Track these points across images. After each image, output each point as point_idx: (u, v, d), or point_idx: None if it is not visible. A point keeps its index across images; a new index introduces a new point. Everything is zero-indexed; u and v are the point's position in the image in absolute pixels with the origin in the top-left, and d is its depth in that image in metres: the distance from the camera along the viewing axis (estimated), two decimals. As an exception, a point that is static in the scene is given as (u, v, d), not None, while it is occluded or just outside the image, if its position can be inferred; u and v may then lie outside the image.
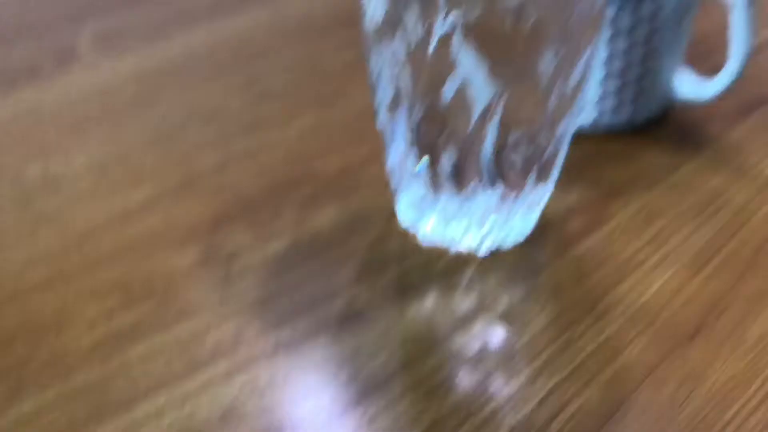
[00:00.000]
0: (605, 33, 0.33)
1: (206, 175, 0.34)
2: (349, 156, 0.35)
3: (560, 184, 0.32)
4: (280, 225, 0.31)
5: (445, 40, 0.23)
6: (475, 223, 0.28)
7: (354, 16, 0.43)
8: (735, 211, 0.31)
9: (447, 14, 0.23)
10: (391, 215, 0.31)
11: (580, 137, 0.35)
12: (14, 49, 0.46)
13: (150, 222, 0.31)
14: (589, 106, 0.35)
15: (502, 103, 0.25)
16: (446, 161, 0.26)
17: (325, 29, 0.47)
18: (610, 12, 0.32)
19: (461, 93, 0.24)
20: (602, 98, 0.34)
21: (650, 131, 0.36)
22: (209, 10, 0.50)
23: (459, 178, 0.26)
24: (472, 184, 0.27)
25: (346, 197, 0.32)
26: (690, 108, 0.37)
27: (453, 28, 0.23)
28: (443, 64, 0.24)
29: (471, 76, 0.24)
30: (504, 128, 0.25)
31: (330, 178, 0.34)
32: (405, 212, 0.30)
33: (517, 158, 0.26)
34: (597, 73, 0.34)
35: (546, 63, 0.24)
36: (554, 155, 0.27)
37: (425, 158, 0.26)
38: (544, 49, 0.24)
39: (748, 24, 0.31)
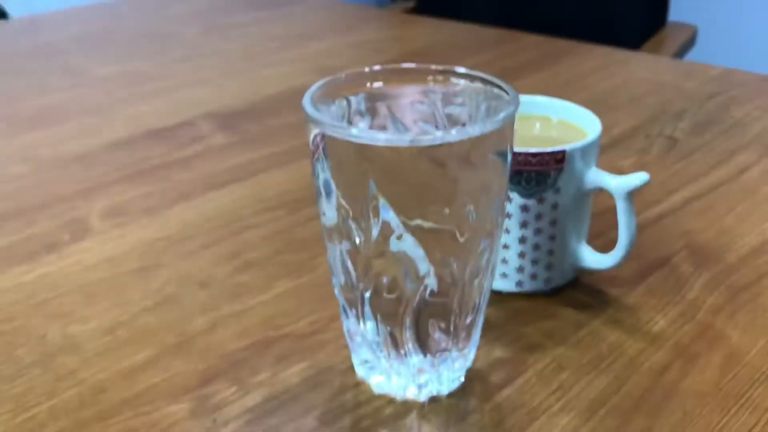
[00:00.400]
0: (517, 218, 0.41)
1: (198, 337, 0.41)
2: (317, 318, 0.42)
3: (487, 341, 0.40)
4: (258, 381, 0.38)
5: (383, 239, 0.31)
6: (413, 378, 0.35)
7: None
8: (626, 364, 0.38)
9: (386, 224, 0.31)
10: (350, 369, 0.38)
11: (505, 299, 0.43)
12: (35, 224, 0.54)
13: (151, 378, 0.38)
14: (511, 274, 0.43)
15: (429, 281, 0.32)
16: (385, 329, 0.34)
17: (299, 203, 0.55)
18: (519, 202, 0.41)
19: (395, 277, 0.32)
20: (521, 269, 0.43)
21: (563, 293, 0.44)
22: (203, 186, 0.59)
23: (395, 343, 0.34)
24: (406, 347, 0.34)
25: (313, 354, 0.39)
26: (597, 272, 0.45)
27: (390, 232, 0.31)
28: (382, 256, 0.32)
29: (405, 266, 0.32)
30: (431, 302, 0.33)
31: (300, 337, 0.41)
32: (359, 367, 0.37)
33: (444, 326, 0.34)
34: (510, 254, 0.42)
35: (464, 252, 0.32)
36: (473, 322, 0.35)
37: (369, 326, 0.34)
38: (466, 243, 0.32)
39: (629, 213, 0.40)
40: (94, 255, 0.50)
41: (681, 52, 1.21)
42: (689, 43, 1.25)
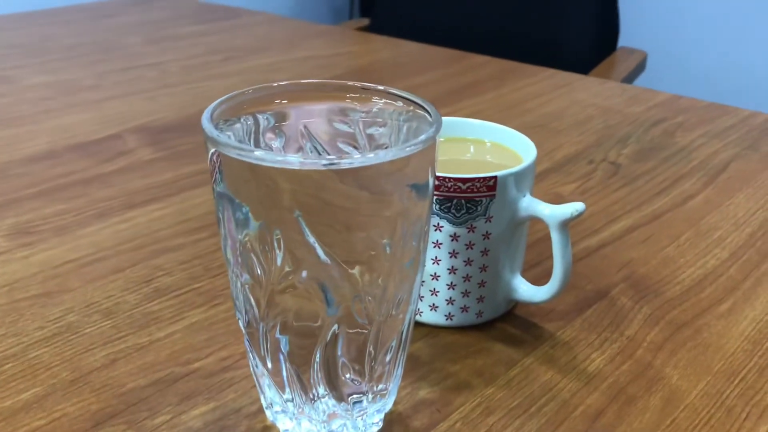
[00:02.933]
0: (447, 247, 0.38)
1: (95, 372, 0.37)
2: (229, 354, 0.39)
3: (413, 379, 0.37)
4: (156, 423, 0.34)
5: (288, 271, 0.28)
6: (324, 425, 0.32)
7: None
8: (560, 405, 0.36)
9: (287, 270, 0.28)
10: (259, 411, 0.35)
11: (435, 333, 0.40)
12: (-69, 242, 0.49)
13: (34, 421, 0.34)
14: (441, 306, 0.40)
15: (341, 317, 0.29)
16: (292, 370, 0.30)
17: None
18: (449, 231, 0.38)
19: (302, 313, 0.29)
20: (451, 301, 0.40)
21: (496, 327, 0.41)
22: (122, 204, 0.55)
23: (303, 385, 0.31)
24: (315, 390, 0.31)
25: (220, 394, 0.36)
26: (532, 304, 0.42)
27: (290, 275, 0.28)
28: (288, 290, 0.29)
29: (313, 301, 0.29)
30: (343, 340, 0.30)
31: (209, 375, 0.37)
32: (267, 410, 0.34)
33: (358, 366, 0.31)
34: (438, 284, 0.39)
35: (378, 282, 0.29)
36: (393, 361, 0.32)
37: (275, 366, 0.31)
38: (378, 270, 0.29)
39: (564, 244, 0.38)
40: (-9, 278, 0.45)
41: (631, 78, 1.21)
42: (639, 68, 1.25)
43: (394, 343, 0.32)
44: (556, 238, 0.38)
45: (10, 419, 0.34)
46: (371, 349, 0.31)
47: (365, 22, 1.50)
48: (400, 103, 0.32)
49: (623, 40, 1.34)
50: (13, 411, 0.35)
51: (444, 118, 0.43)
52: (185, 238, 0.50)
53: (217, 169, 0.28)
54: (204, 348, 0.39)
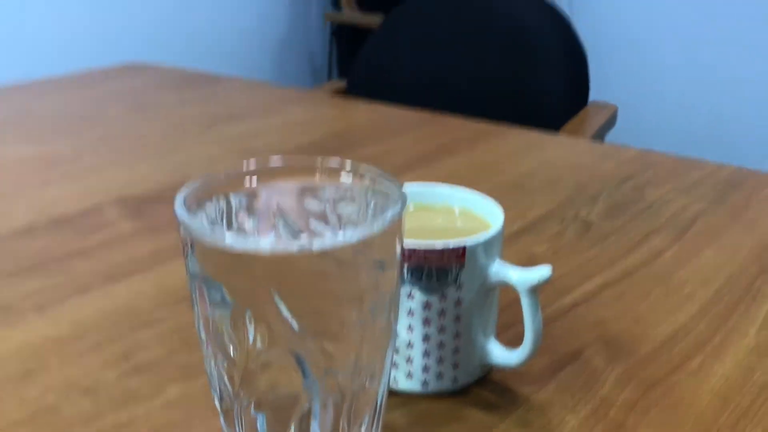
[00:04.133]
0: (420, 316, 0.39)
1: (73, 453, 0.37)
2: (206, 429, 0.39)
3: (389, 450, 0.37)
4: (133, 504, 0.34)
5: (261, 349, 0.29)
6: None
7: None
8: (535, 470, 0.36)
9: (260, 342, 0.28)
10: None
11: (411, 401, 0.41)
12: None
13: (12, 506, 0.34)
14: (416, 374, 0.41)
15: (314, 393, 0.30)
16: (269, 450, 0.31)
17: (204, 296, 0.52)
18: (421, 300, 0.39)
19: (275, 390, 0.30)
20: (426, 369, 0.40)
21: (472, 393, 0.42)
22: (102, 278, 0.55)
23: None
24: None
25: (199, 470, 0.36)
26: (507, 368, 0.43)
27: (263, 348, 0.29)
28: (260, 368, 0.29)
29: (286, 378, 0.29)
30: (317, 416, 0.30)
31: (187, 451, 0.37)
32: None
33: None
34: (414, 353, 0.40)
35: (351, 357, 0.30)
36: (369, 431, 0.32)
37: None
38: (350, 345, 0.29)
39: (534, 308, 0.39)
40: (-30, 359, 0.46)
41: (603, 131, 1.24)
42: (610, 122, 1.29)
43: (368, 415, 0.32)
44: (525, 303, 0.39)
45: (-13, 506, 0.34)
46: (344, 423, 0.31)
47: (343, 83, 1.53)
48: (367, 180, 0.33)
49: (594, 94, 1.37)
50: (-10, 497, 0.35)
51: (413, 186, 0.44)
52: (164, 312, 0.50)
53: (189, 250, 0.29)
54: (181, 424, 0.39)
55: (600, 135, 1.22)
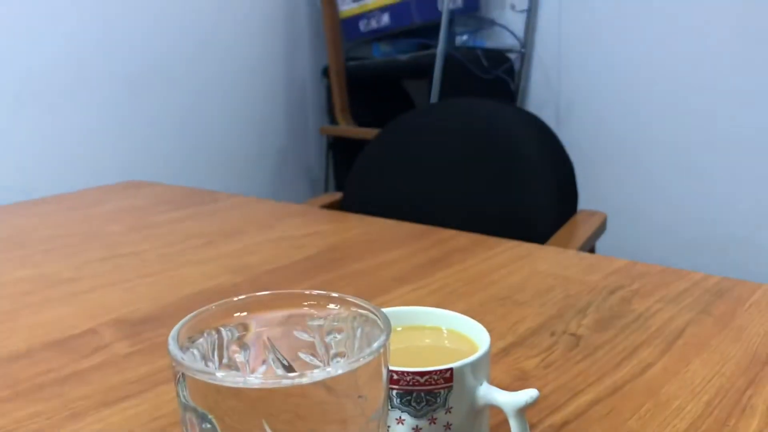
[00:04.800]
0: (410, 441, 0.40)
1: None
2: None
3: None
4: None
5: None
6: None
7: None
8: None
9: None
10: None
11: None
12: None
13: None
14: (408, 499, 0.41)
15: None
16: None
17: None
18: (411, 424, 0.40)
19: None
20: (417, 493, 0.40)
21: None
22: (96, 403, 0.56)
23: None
24: None
25: None
26: (500, 491, 0.43)
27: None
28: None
29: None
30: None
31: None
32: None
33: None
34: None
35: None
36: None
37: None
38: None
39: (522, 430, 0.39)
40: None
41: (593, 238, 1.26)
42: (600, 229, 1.31)
43: None
44: (513, 424, 0.39)
45: None
46: None
47: (339, 195, 1.57)
48: (353, 309, 0.35)
49: (583, 203, 1.41)
50: None
51: (401, 309, 0.46)
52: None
53: (182, 384, 0.30)
54: None
55: (590, 242, 1.24)
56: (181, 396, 0.31)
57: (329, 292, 0.35)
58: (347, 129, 2.58)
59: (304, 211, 1.21)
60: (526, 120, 1.42)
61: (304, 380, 0.28)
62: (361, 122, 2.61)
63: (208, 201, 1.26)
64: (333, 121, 2.68)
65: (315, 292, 0.35)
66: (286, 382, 0.28)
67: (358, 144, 2.21)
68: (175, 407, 0.54)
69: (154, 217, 1.15)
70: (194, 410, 0.30)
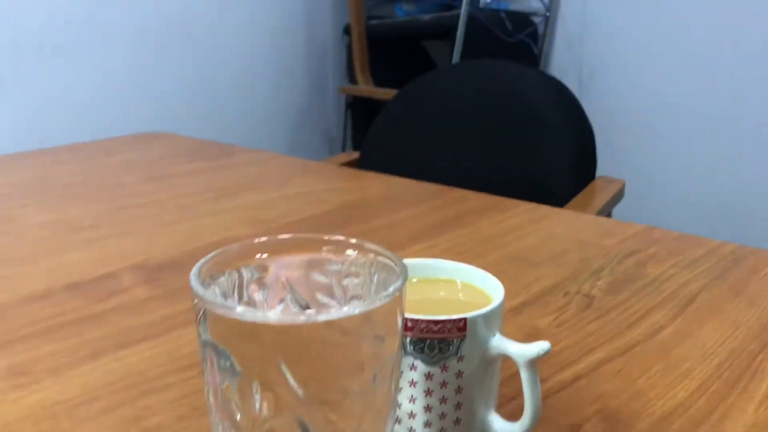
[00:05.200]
0: (422, 386, 0.40)
1: None
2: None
3: None
4: None
5: (266, 416, 0.30)
6: None
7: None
8: None
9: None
10: None
11: (412, 472, 0.41)
12: (-72, 385, 0.51)
13: None
14: (418, 444, 0.42)
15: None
16: None
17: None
18: (423, 370, 0.40)
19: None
20: (427, 439, 0.41)
21: (473, 464, 0.42)
22: (115, 343, 0.57)
23: None
24: None
25: None
26: (508, 441, 0.44)
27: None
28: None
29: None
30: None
31: None
32: None
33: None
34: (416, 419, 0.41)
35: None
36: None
37: None
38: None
39: (533, 381, 0.40)
40: (-16, 421, 0.47)
41: (610, 205, 1.26)
42: (617, 197, 1.31)
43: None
44: (525, 375, 0.40)
45: None
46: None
47: (357, 154, 1.57)
48: (371, 255, 0.35)
49: (602, 170, 1.40)
50: None
51: (417, 260, 0.46)
52: (174, 377, 0.52)
53: (202, 320, 0.30)
54: (188, 490, 0.40)
55: (607, 210, 1.24)
56: (202, 332, 0.31)
57: (348, 238, 0.35)
58: (367, 89, 2.56)
59: (321, 168, 1.21)
60: (548, 84, 1.41)
61: (321, 317, 0.28)
62: (380, 82, 2.59)
63: (224, 154, 1.26)
64: (353, 80, 2.67)
65: (334, 237, 0.35)
66: (303, 318, 0.28)
67: (377, 104, 2.20)
68: (193, 350, 0.56)
69: (170, 169, 1.15)
70: (214, 347, 0.31)
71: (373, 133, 1.52)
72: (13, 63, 2.06)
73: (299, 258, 0.35)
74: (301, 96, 2.91)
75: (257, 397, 0.30)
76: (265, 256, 0.34)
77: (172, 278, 0.70)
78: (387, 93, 2.26)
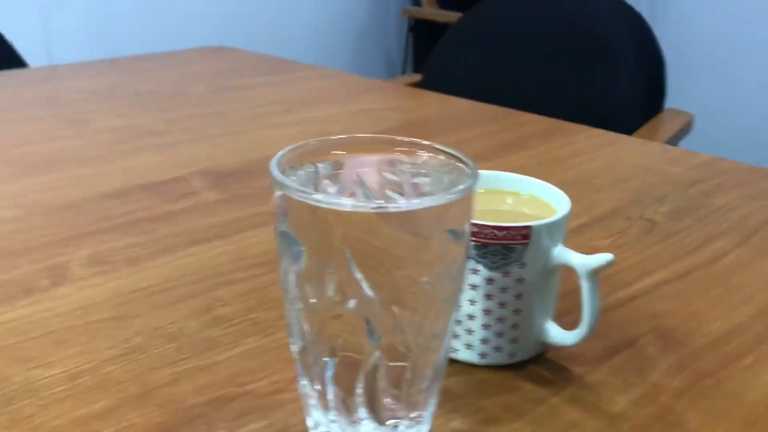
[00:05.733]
0: (483, 290, 0.42)
1: (160, 389, 0.41)
2: (280, 378, 0.42)
3: (446, 411, 0.40)
4: (212, 436, 0.38)
5: (338, 301, 0.32)
6: (364, 444, 0.35)
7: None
8: (582, 442, 0.38)
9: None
10: (306, 430, 0.38)
11: (469, 370, 0.43)
12: (16, 268, 0.55)
13: (105, 428, 0.38)
14: (476, 345, 0.43)
15: (383, 347, 0.33)
16: (337, 393, 0.34)
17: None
18: (485, 275, 0.41)
19: (349, 341, 0.33)
20: (485, 341, 0.43)
21: (527, 368, 0.44)
22: (186, 241, 0.60)
23: (346, 408, 0.34)
24: (358, 413, 0.34)
25: (272, 413, 0.40)
26: (562, 348, 0.45)
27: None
28: (337, 318, 0.32)
29: (359, 330, 0.32)
30: (384, 368, 0.33)
31: (261, 396, 0.41)
32: (313, 429, 0.37)
33: (396, 393, 0.34)
34: (474, 320, 0.43)
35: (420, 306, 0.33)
36: (427, 391, 0.35)
37: (321, 389, 0.34)
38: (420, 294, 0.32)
39: (593, 291, 0.41)
40: (69, 302, 0.50)
41: (676, 138, 1.23)
42: (685, 129, 1.28)
43: (429, 374, 0.35)
44: (585, 285, 0.41)
45: (84, 426, 0.38)
46: (408, 377, 0.34)
47: (417, 77, 1.56)
48: (442, 157, 0.36)
49: (671, 102, 1.36)
50: (87, 418, 0.39)
51: (484, 172, 0.47)
52: (243, 274, 0.54)
53: (281, 210, 0.32)
54: (257, 372, 0.43)
55: (673, 142, 1.21)
56: (279, 219, 0.33)
57: (420, 140, 0.36)
58: (431, 11, 2.51)
59: (382, 86, 1.21)
60: (620, 10, 1.36)
61: (392, 207, 0.29)
62: (444, 4, 2.54)
63: (287, 69, 1.27)
64: (416, 2, 2.62)
65: (407, 139, 0.36)
66: (373, 206, 0.29)
67: (440, 27, 2.16)
68: (261, 251, 0.58)
69: (235, 81, 1.17)
70: (290, 237, 0.32)
71: (436, 56, 1.50)
72: (82, -28, 2.09)
73: (372, 157, 0.36)
74: (362, 16, 2.87)
75: (329, 282, 0.31)
76: (340, 152, 0.36)
77: (239, 184, 0.72)
78: (451, 16, 2.21)
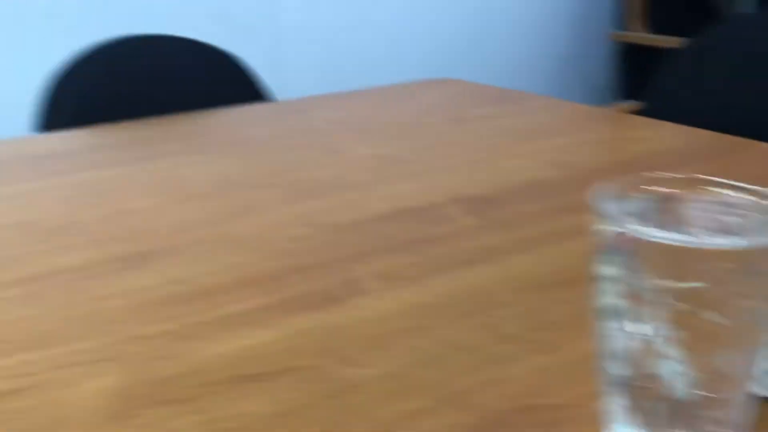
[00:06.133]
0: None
1: (461, 396, 0.47)
2: (565, 396, 0.46)
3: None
4: (523, 440, 0.42)
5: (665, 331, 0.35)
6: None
7: (572, 277, 0.57)
8: None
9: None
10: (606, 445, 0.41)
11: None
12: (314, 280, 0.63)
13: (425, 424, 0.44)
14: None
15: (700, 376, 0.35)
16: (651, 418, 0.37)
17: (546, 286, 0.60)
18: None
19: (667, 373, 0.36)
20: (780, 375, 0.44)
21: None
22: (455, 262, 0.65)
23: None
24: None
25: (559, 427, 0.43)
26: None
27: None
28: (658, 349, 0.36)
29: (678, 362, 0.35)
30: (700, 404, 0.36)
31: (560, 408, 0.45)
32: (619, 444, 0.40)
33: (711, 415, 0.36)
34: None
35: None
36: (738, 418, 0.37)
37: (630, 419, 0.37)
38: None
39: None
40: (368, 311, 0.58)
41: None
42: None
43: (743, 412, 0.37)
44: None
45: (408, 420, 0.44)
46: (722, 417, 0.36)
47: (634, 105, 1.54)
48: (754, 197, 0.38)
49: None
50: (410, 414, 0.45)
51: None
52: (516, 296, 0.59)
53: (618, 246, 0.35)
54: (554, 387, 0.47)
55: None
56: (611, 252, 0.36)
57: (747, 184, 0.38)
58: (644, 36, 2.46)
59: (607, 116, 1.22)
60: None
61: (753, 242, 0.32)
62: (656, 29, 2.47)
63: (515, 100, 1.31)
64: (623, 26, 2.58)
65: (725, 180, 0.38)
66: (727, 242, 0.32)
67: (654, 52, 2.11)
68: (528, 275, 0.62)
69: (468, 112, 1.23)
70: (629, 263, 0.35)
71: (660, 83, 1.48)
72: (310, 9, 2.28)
73: (695, 196, 0.39)
74: (564, 43, 2.87)
75: (658, 312, 0.35)
76: (661, 189, 0.39)
77: (493, 211, 0.77)
78: (667, 41, 2.16)
